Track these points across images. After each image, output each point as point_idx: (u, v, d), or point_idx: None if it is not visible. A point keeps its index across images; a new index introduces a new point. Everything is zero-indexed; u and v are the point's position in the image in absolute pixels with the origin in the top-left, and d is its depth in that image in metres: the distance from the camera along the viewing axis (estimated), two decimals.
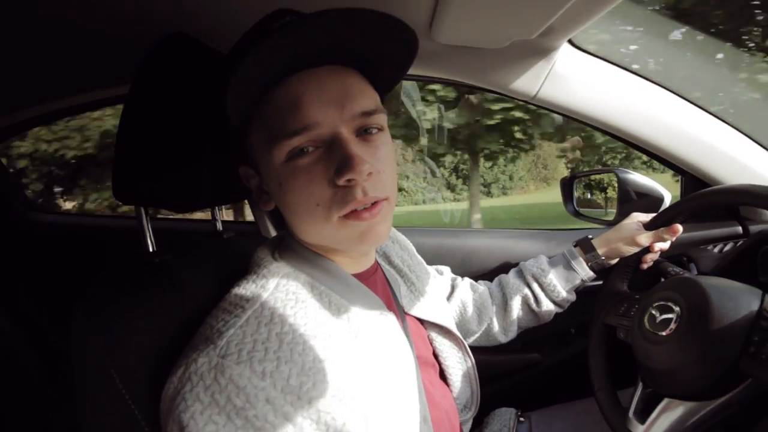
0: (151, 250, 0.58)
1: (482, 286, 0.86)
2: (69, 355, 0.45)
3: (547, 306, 0.81)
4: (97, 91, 0.93)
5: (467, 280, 0.87)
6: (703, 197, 0.68)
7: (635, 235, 0.76)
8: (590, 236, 0.83)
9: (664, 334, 0.57)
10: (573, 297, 0.82)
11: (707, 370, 0.53)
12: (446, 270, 0.87)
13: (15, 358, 1.23)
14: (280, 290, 0.47)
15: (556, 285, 0.80)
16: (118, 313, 0.46)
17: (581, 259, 0.80)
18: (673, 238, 0.75)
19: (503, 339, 0.84)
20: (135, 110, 0.54)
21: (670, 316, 0.58)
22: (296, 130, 0.42)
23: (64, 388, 1.25)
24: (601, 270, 0.82)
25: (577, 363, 0.91)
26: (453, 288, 0.83)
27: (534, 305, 0.81)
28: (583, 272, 0.80)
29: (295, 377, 0.41)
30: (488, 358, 1.05)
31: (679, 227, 0.73)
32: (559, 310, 0.83)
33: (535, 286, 0.81)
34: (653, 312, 0.60)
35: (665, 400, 0.58)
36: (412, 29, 0.44)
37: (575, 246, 0.83)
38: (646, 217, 0.79)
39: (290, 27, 0.38)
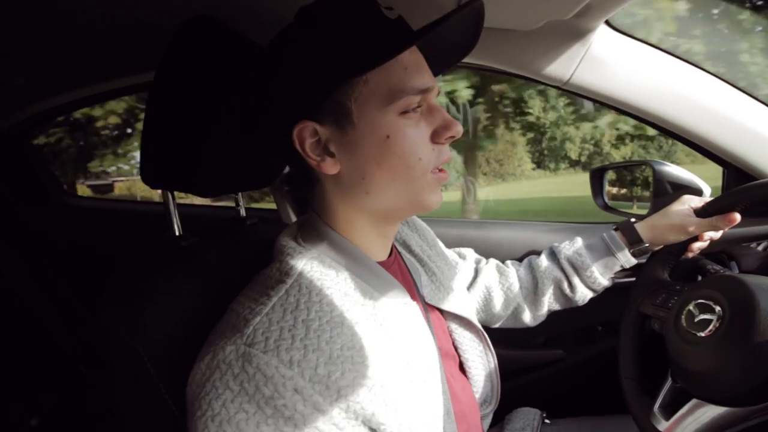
0: (177, 234, 0.58)
1: (511, 268, 0.82)
2: (99, 334, 0.46)
3: (582, 292, 0.77)
4: (124, 78, 0.95)
5: (493, 262, 0.83)
6: None
7: (685, 222, 0.70)
8: (633, 219, 0.77)
9: (702, 335, 0.54)
10: (610, 283, 0.77)
11: (746, 378, 0.50)
12: (469, 252, 0.84)
13: (50, 336, 1.30)
14: (305, 277, 0.46)
15: (594, 271, 0.75)
16: (145, 294, 0.47)
17: (623, 244, 0.75)
18: (728, 228, 0.69)
19: (532, 323, 0.81)
20: (161, 94, 0.55)
21: (710, 317, 0.55)
22: (424, 88, 0.47)
23: (96, 365, 1.31)
24: (643, 256, 0.77)
25: (602, 362, 0.88)
26: (477, 272, 0.81)
27: (568, 291, 0.77)
28: (624, 259, 0.75)
29: (323, 366, 0.40)
30: (510, 353, 1.03)
31: (738, 217, 0.66)
32: (594, 295, 0.79)
33: (570, 271, 0.76)
34: (692, 310, 0.57)
35: (694, 401, 0.56)
36: (482, 23, 0.50)
37: (616, 230, 0.77)
38: (699, 201, 0.72)
39: (473, 6, 0.46)
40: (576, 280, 0.76)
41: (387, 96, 0.46)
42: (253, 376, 0.38)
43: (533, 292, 0.79)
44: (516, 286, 0.79)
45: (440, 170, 0.51)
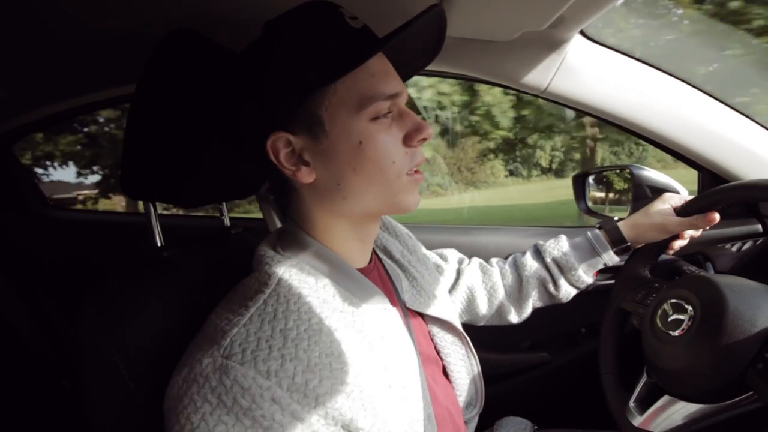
0: (159, 244, 0.58)
1: (494, 267, 0.83)
2: (76, 344, 0.46)
3: (567, 290, 0.78)
4: (106, 90, 0.94)
5: (476, 262, 0.84)
6: (749, 189, 0.63)
7: (666, 221, 0.72)
8: (616, 218, 0.78)
9: (674, 334, 0.56)
10: (593, 281, 0.79)
11: (715, 377, 0.52)
12: (451, 253, 0.84)
13: (31, 350, 1.27)
14: (283, 286, 0.47)
15: (579, 271, 0.76)
16: (124, 305, 0.47)
17: (606, 243, 0.76)
18: (707, 228, 0.72)
19: (516, 320, 0.82)
20: (142, 106, 0.55)
21: (682, 316, 0.57)
22: (392, 93, 0.49)
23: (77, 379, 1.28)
24: (625, 255, 0.78)
25: (586, 364, 0.89)
26: (459, 273, 0.81)
27: (552, 288, 0.78)
28: (608, 258, 0.76)
29: (300, 375, 0.41)
30: (495, 357, 1.04)
31: (717, 216, 0.68)
32: (576, 292, 0.81)
33: (556, 272, 0.77)
34: (666, 309, 0.59)
35: (667, 397, 0.58)
36: (444, 29, 0.53)
37: (599, 228, 0.78)
38: (680, 200, 0.73)
39: (434, 12, 0.48)
40: (561, 281, 0.77)
41: (357, 103, 0.47)
42: (231, 389, 0.38)
43: (518, 291, 0.80)
44: (500, 285, 0.80)
45: (416, 172, 0.52)
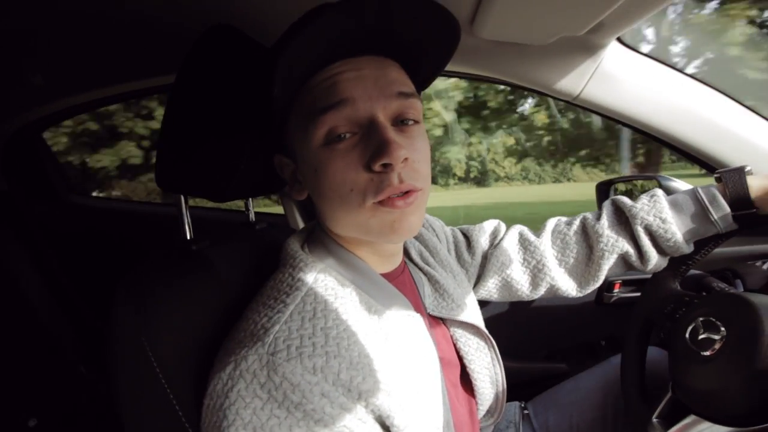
0: (189, 237, 0.59)
1: (544, 237, 0.69)
2: (108, 336, 0.47)
3: (656, 263, 0.64)
4: (141, 80, 0.96)
5: (513, 236, 0.72)
6: None
7: None
8: (748, 167, 0.60)
9: (706, 354, 0.55)
10: (691, 250, 0.64)
11: (746, 400, 0.50)
12: (481, 231, 0.73)
13: (52, 336, 1.30)
14: (319, 285, 0.47)
15: (678, 239, 0.60)
16: (156, 297, 0.47)
17: (724, 203, 0.59)
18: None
19: (575, 295, 0.70)
20: (180, 100, 0.55)
21: (714, 336, 0.55)
22: (332, 104, 0.42)
23: (97, 367, 1.31)
24: (746, 224, 0.60)
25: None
26: (486, 258, 0.71)
27: (636, 262, 0.65)
28: (724, 224, 0.60)
29: (345, 371, 0.41)
30: (512, 365, 1.02)
31: None
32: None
33: (645, 240, 0.62)
34: (697, 327, 0.57)
35: (693, 416, 0.56)
36: (453, 16, 0.44)
37: (717, 180, 0.61)
38: None
39: (339, 6, 0.39)
40: (652, 254, 0.63)
41: (304, 124, 0.45)
42: (280, 385, 0.39)
43: (585, 264, 0.67)
44: (549, 261, 0.68)
45: (398, 198, 0.43)
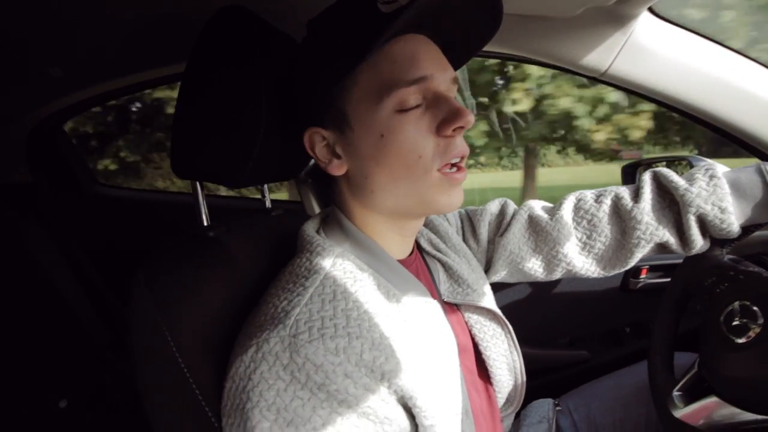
0: (206, 224, 0.59)
1: (562, 218, 0.63)
2: (127, 321, 0.47)
3: (698, 249, 0.58)
4: (159, 68, 0.96)
5: (522, 217, 0.66)
6: None
7: None
8: None
9: (740, 341, 0.52)
10: (740, 232, 0.57)
11: None
12: (487, 213, 0.69)
13: (80, 322, 1.34)
14: (337, 269, 0.46)
15: (734, 230, 0.55)
16: (174, 282, 0.48)
17: None
18: None
19: (598, 276, 0.66)
20: (192, 85, 0.55)
21: (751, 323, 0.52)
22: (414, 79, 0.45)
23: (123, 351, 1.35)
24: None
25: (628, 365, 0.85)
26: (495, 244, 0.68)
27: (677, 249, 0.59)
28: None
29: (367, 352, 0.41)
30: (532, 352, 1.01)
31: None
32: None
33: (695, 230, 0.56)
34: (733, 311, 0.54)
35: (716, 398, 0.55)
36: (502, 11, 0.48)
37: None
38: None
39: None
40: (698, 240, 0.57)
41: (377, 93, 0.45)
42: (303, 366, 0.39)
43: (615, 249, 0.62)
44: (565, 246, 0.63)
45: (455, 167, 0.47)
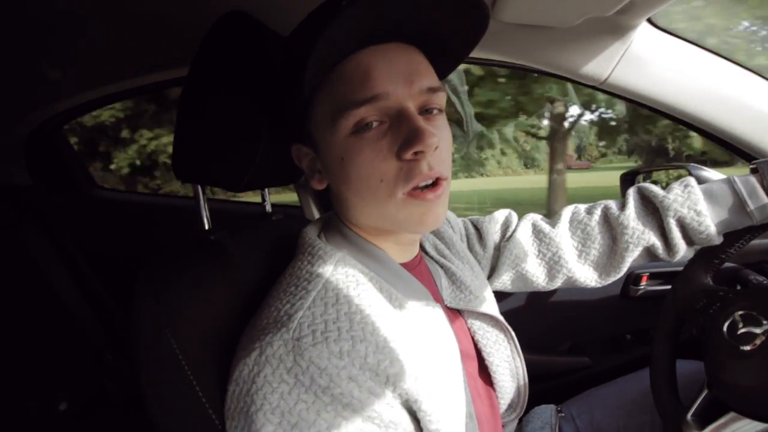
0: (207, 227, 0.59)
1: (560, 228, 0.67)
2: (130, 325, 0.47)
3: (682, 254, 0.62)
4: (160, 73, 0.96)
5: (526, 227, 0.69)
6: None
7: None
8: None
9: (746, 348, 0.52)
10: (720, 240, 0.62)
11: None
12: (491, 223, 0.72)
13: (78, 325, 1.33)
14: (339, 273, 0.46)
15: (711, 231, 0.58)
16: (176, 285, 0.48)
17: (763, 194, 0.58)
18: None
19: (595, 285, 0.68)
20: (194, 89, 0.55)
21: (756, 330, 0.52)
22: (366, 98, 0.42)
23: (123, 353, 1.34)
24: None
25: (630, 372, 0.85)
26: (500, 250, 0.70)
27: (663, 255, 0.63)
28: (760, 215, 0.58)
29: (372, 355, 0.41)
30: (532, 358, 1.00)
31: None
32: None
33: (676, 233, 0.60)
34: (736, 321, 0.54)
35: (732, 414, 0.54)
36: (485, 4, 0.43)
37: (753, 171, 0.60)
38: None
39: None
40: (681, 245, 0.61)
41: (332, 115, 0.43)
42: (307, 369, 0.39)
43: (608, 256, 0.65)
44: (567, 253, 0.66)
45: (426, 188, 0.44)
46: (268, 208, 0.77)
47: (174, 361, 0.44)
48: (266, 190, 0.77)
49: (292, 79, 0.42)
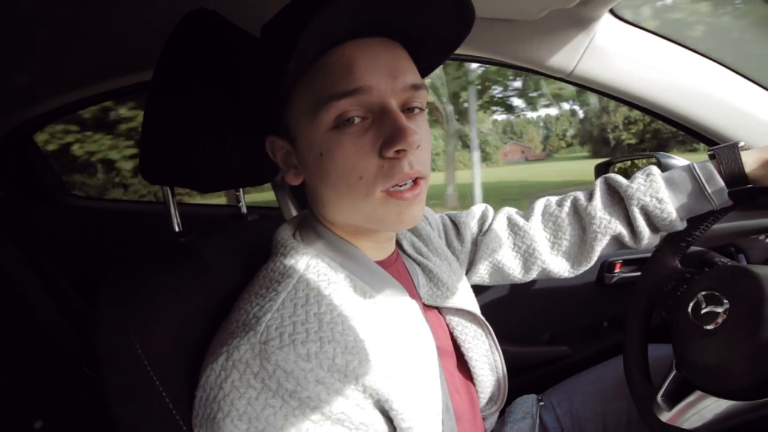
0: (177, 230, 0.58)
1: (533, 220, 0.69)
2: (94, 332, 0.46)
3: (650, 241, 0.64)
4: (129, 76, 0.94)
5: (502, 220, 0.71)
6: None
7: None
8: (742, 143, 0.61)
9: (709, 327, 0.54)
10: (684, 226, 0.64)
11: (752, 372, 0.49)
12: (468, 217, 0.72)
13: (54, 338, 1.30)
14: (311, 271, 0.46)
15: (673, 218, 0.60)
16: (144, 290, 0.47)
17: (719, 179, 0.59)
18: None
19: (569, 275, 0.70)
20: (161, 89, 0.54)
21: (717, 309, 0.54)
22: (348, 91, 0.41)
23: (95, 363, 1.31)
24: (743, 199, 0.61)
25: (608, 358, 0.87)
26: (477, 245, 0.71)
27: (630, 242, 0.65)
28: (720, 200, 0.60)
29: (340, 356, 0.40)
30: (513, 349, 1.02)
31: None
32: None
33: (640, 221, 0.62)
34: (699, 301, 0.56)
35: (698, 392, 0.55)
36: (473, 6, 0.43)
37: (711, 157, 0.61)
38: None
39: None
40: (646, 233, 0.63)
41: (312, 108, 0.43)
42: (274, 373, 0.38)
43: (578, 245, 0.67)
44: (540, 244, 0.68)
45: (398, 192, 0.43)
46: (244, 209, 0.77)
47: (139, 368, 0.43)
48: (241, 190, 0.76)
49: (274, 68, 0.41)
